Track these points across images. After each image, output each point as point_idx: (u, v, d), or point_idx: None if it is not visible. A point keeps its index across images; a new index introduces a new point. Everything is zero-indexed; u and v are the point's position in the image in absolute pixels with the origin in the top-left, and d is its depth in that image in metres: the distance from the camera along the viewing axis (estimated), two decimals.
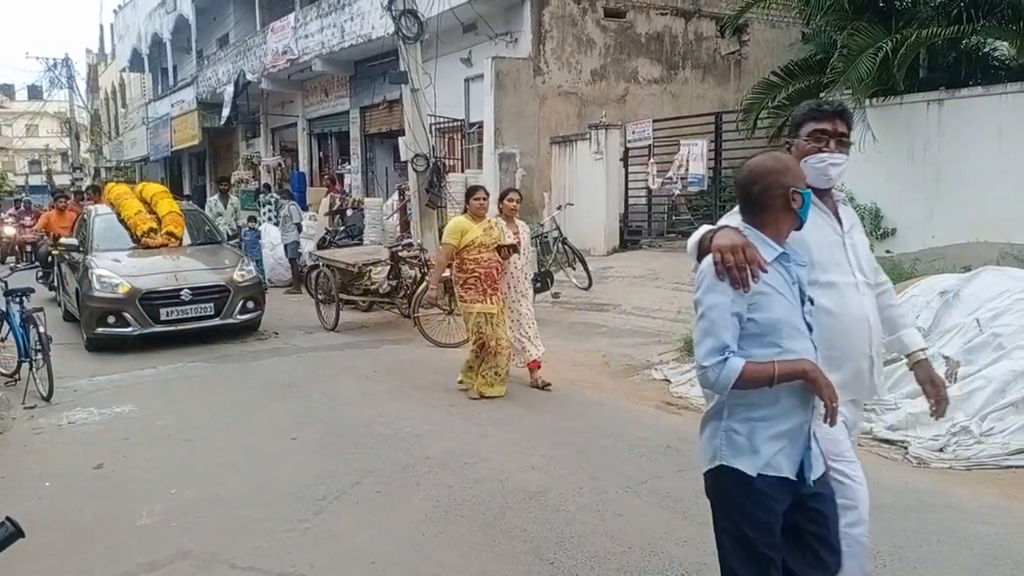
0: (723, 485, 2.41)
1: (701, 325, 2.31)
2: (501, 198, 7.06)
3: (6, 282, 7.79)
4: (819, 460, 2.42)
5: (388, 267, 9.92)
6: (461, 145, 15.59)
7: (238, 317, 9.40)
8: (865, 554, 2.83)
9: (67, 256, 10.33)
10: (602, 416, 6.03)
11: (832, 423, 2.30)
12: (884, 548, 3.74)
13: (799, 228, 2.39)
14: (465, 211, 6.81)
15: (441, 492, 4.58)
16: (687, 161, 11.75)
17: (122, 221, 10.36)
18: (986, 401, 5.19)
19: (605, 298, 10.21)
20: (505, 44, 13.83)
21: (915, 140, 8.42)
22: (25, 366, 7.23)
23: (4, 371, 7.66)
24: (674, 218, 13.54)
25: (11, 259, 17.60)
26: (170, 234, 10.19)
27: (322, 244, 13.70)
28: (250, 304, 9.55)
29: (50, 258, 12.60)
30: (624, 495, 4.47)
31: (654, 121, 12.76)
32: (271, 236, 14.11)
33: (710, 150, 11.87)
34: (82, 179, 39.77)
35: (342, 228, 14.48)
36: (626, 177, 13.08)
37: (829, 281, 2.65)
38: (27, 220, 20.23)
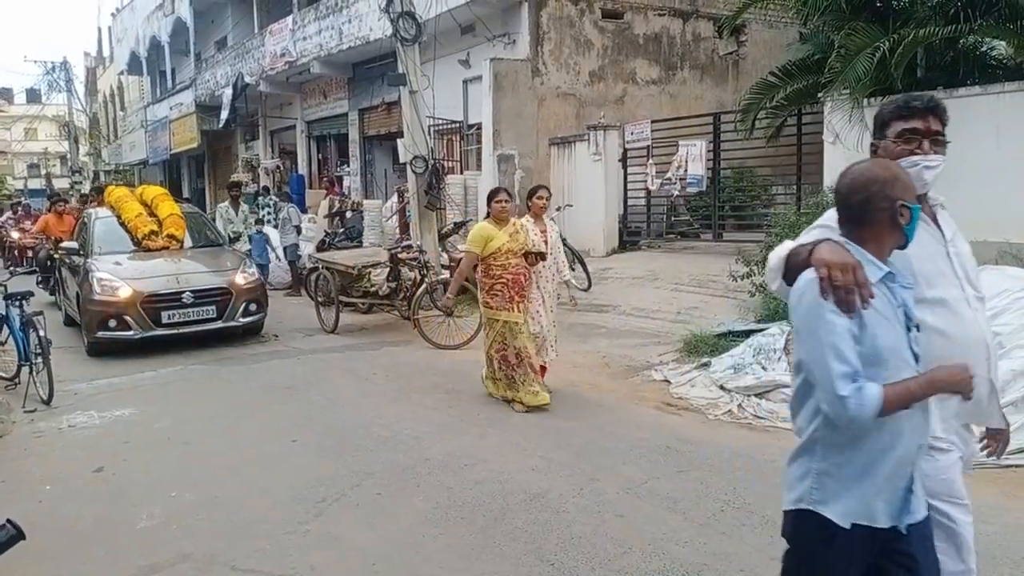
0: (805, 531, 2.17)
1: (821, 349, 1.98)
2: (530, 195, 6.80)
3: (6, 286, 7.80)
4: (921, 503, 2.15)
5: (387, 269, 9.92)
6: (460, 147, 15.60)
7: (240, 320, 9.32)
8: None
9: (67, 260, 10.27)
10: (601, 417, 6.03)
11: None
12: None
13: (903, 247, 2.12)
14: (488, 215, 6.55)
15: (441, 494, 4.58)
16: (686, 162, 11.76)
17: (123, 224, 10.29)
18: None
19: (604, 299, 10.21)
20: (503, 46, 13.84)
21: None
22: (25, 370, 7.23)
23: (4, 375, 7.66)
24: (673, 219, 13.55)
25: (9, 263, 17.56)
26: (171, 237, 10.12)
27: (321, 246, 13.70)
28: (252, 307, 9.46)
29: (49, 262, 12.57)
30: (624, 496, 4.47)
31: (652, 122, 12.76)
32: (271, 238, 14.10)
33: (709, 151, 11.88)
34: (81, 182, 39.78)
35: (341, 230, 14.48)
36: (625, 178, 13.09)
37: (937, 297, 2.35)
38: (27, 224, 20.19)
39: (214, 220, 12.76)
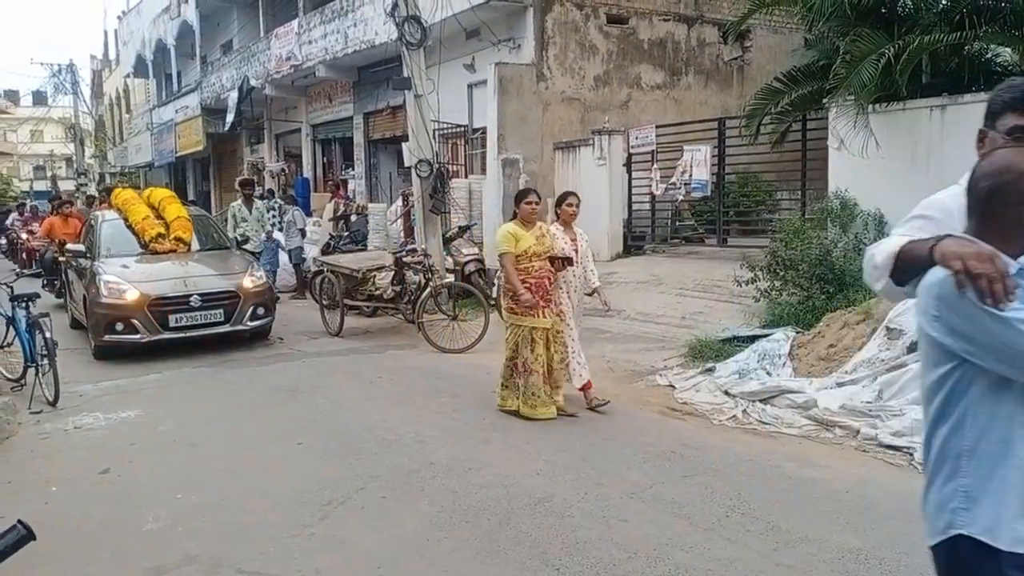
0: (962, 561, 1.92)
1: (1005, 335, 1.66)
2: (559, 202, 6.59)
3: (12, 287, 7.81)
4: None
5: (392, 272, 9.94)
6: (464, 151, 15.61)
7: (248, 323, 9.26)
8: None
9: (74, 262, 10.25)
10: (606, 422, 6.04)
11: None
12: (890, 555, 3.74)
13: None
14: (515, 216, 6.32)
15: (446, 498, 4.59)
16: (690, 167, 11.76)
17: (129, 227, 10.26)
18: None
19: (609, 303, 10.19)
20: (508, 50, 13.85)
21: (918, 146, 8.43)
22: (31, 371, 7.25)
23: (10, 376, 7.68)
24: (677, 224, 13.55)
25: (15, 266, 17.59)
26: (178, 239, 10.08)
27: (326, 250, 13.74)
28: (260, 310, 9.40)
29: (55, 265, 12.56)
30: (629, 501, 4.47)
31: (657, 127, 12.77)
32: (281, 243, 14.08)
33: (713, 156, 11.88)
34: (87, 184, 39.81)
35: (346, 234, 14.50)
36: (629, 183, 13.10)
37: None
38: (34, 226, 20.20)
39: (225, 223, 12.64)
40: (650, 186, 12.59)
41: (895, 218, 8.54)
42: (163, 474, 5.22)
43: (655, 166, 12.48)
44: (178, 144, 28.17)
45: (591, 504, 4.43)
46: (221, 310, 9.05)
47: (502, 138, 13.19)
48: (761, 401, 6.20)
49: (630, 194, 13.11)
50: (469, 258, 11.46)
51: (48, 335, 7.01)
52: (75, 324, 10.47)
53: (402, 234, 13.60)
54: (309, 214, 17.12)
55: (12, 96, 56.13)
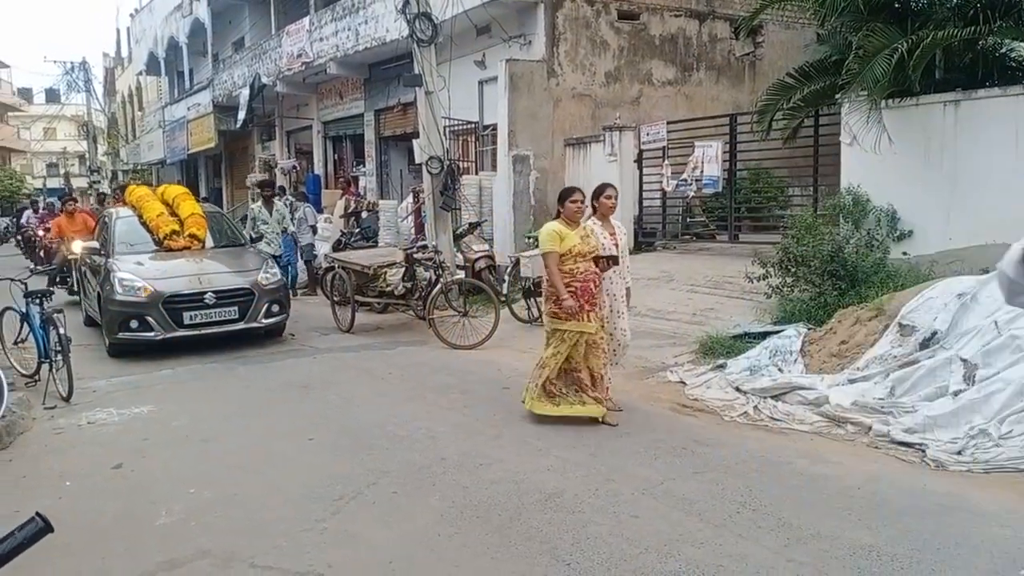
0: None
1: None
2: (596, 195, 6.23)
3: (26, 284, 7.87)
4: None
5: (403, 269, 9.96)
6: (475, 147, 15.61)
7: (263, 321, 9.23)
8: None
9: (88, 259, 10.25)
10: (616, 418, 6.03)
11: None
12: (902, 552, 3.73)
13: None
14: (558, 215, 6.01)
15: (457, 493, 4.60)
16: (702, 163, 11.73)
17: (144, 223, 10.26)
18: (1004, 404, 5.16)
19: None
20: (519, 46, 13.84)
21: (931, 141, 8.38)
22: (45, 367, 7.30)
23: (24, 372, 7.74)
24: (688, 220, 13.52)
25: (30, 263, 17.67)
26: (192, 236, 10.07)
27: (337, 246, 13.77)
28: (275, 307, 9.37)
29: (65, 266, 12.57)
30: (640, 497, 4.47)
31: (668, 123, 12.73)
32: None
33: (725, 152, 11.84)
34: (100, 181, 40.09)
35: (357, 230, 14.53)
36: (640, 179, 13.07)
37: None
38: (50, 224, 20.28)
39: (243, 223, 12.60)
40: (661, 182, 12.56)
41: (908, 214, 8.54)
42: (176, 469, 5.26)
43: (666, 162, 12.45)
44: (190, 141, 28.28)
45: (602, 500, 4.43)
46: (236, 307, 9.01)
47: (513, 134, 13.20)
48: (772, 397, 6.19)
49: (641, 190, 13.08)
50: (479, 255, 11.46)
51: (62, 331, 7.07)
52: (89, 321, 10.48)
53: (413, 231, 13.62)
54: (320, 211, 17.17)
55: (25, 94, 56.55)
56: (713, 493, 4.50)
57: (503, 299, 9.86)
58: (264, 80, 21.50)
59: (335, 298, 10.70)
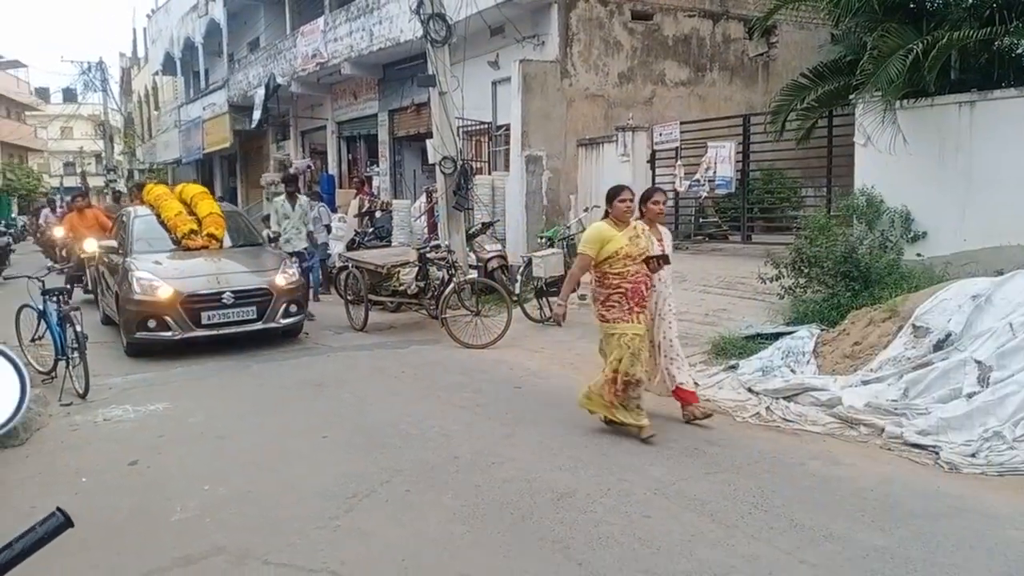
0: None
1: None
2: (644, 199, 5.99)
3: (43, 281, 7.94)
4: None
5: (416, 268, 9.99)
6: (488, 148, 15.63)
7: (281, 321, 9.16)
8: None
9: (105, 258, 10.24)
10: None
11: None
12: (916, 554, 3.72)
13: None
14: (606, 215, 5.78)
15: (469, 491, 4.62)
16: (715, 163, 11.70)
17: (162, 223, 10.21)
18: (1019, 406, 5.14)
19: None
20: (532, 47, 13.85)
21: (946, 142, 8.34)
22: (62, 364, 7.37)
23: (41, 369, 7.80)
24: (701, 220, 13.49)
25: (48, 261, 17.80)
26: (211, 236, 10.01)
27: (351, 245, 13.82)
28: (292, 308, 9.32)
29: (80, 263, 12.60)
30: (652, 497, 4.48)
31: (681, 123, 12.71)
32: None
33: (738, 152, 11.81)
34: (116, 180, 40.36)
35: (371, 230, 14.57)
36: (653, 179, 13.01)
37: None
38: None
39: (267, 219, 12.45)
40: (674, 183, 12.53)
41: (922, 215, 8.50)
42: (191, 466, 5.30)
43: (679, 163, 12.43)
44: (205, 141, 28.45)
45: (614, 499, 4.44)
46: (254, 307, 8.96)
47: (526, 135, 13.21)
48: (785, 399, 6.18)
49: None
50: (492, 254, 11.48)
51: (79, 329, 7.13)
52: (107, 320, 10.44)
53: (426, 230, 13.65)
54: (334, 210, 17.21)
55: (43, 94, 57.05)
56: (725, 494, 4.50)
57: (515, 299, 9.88)
58: (279, 80, 21.60)
59: (349, 297, 10.75)
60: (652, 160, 12.91)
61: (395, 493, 4.66)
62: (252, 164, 28.86)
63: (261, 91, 22.47)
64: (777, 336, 7.40)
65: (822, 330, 7.32)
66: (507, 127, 14.09)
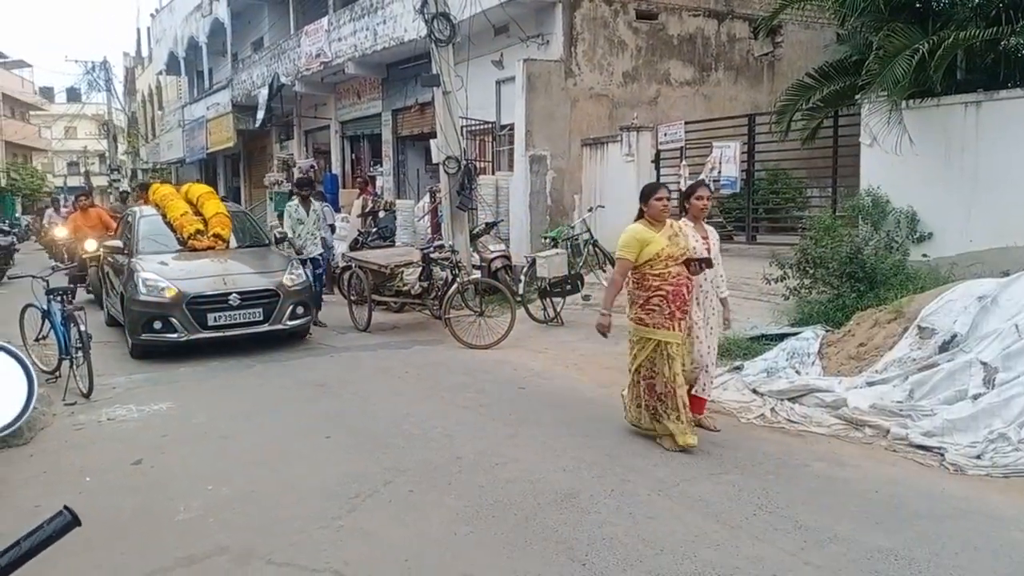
0: None
1: None
2: (687, 195, 5.78)
3: (48, 281, 7.95)
4: None
5: (420, 269, 9.98)
6: (492, 147, 15.62)
7: (287, 323, 9.05)
8: None
9: (110, 259, 10.16)
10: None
11: None
12: (920, 555, 3.71)
13: None
14: (641, 215, 5.49)
15: (472, 492, 4.61)
16: (719, 163, 11.68)
17: (167, 223, 10.12)
18: None
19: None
20: (537, 46, 13.85)
21: (952, 143, 8.31)
22: (65, 363, 7.37)
23: (45, 368, 7.81)
24: (705, 221, 13.45)
25: (53, 261, 17.80)
26: (217, 236, 9.92)
27: (355, 245, 13.82)
28: (299, 309, 9.20)
29: (84, 263, 12.57)
30: (656, 498, 4.47)
31: (686, 123, 12.69)
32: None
33: (743, 152, 11.79)
34: (119, 180, 40.44)
35: (374, 230, 14.57)
36: (657, 179, 13.01)
37: None
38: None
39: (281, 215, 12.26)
40: (678, 183, 12.50)
41: (928, 216, 8.47)
42: (195, 466, 5.30)
43: (684, 163, 12.40)
44: (209, 141, 28.49)
45: (617, 500, 4.42)
46: (260, 309, 8.86)
47: (530, 135, 13.20)
48: (790, 400, 6.16)
49: None
50: (496, 254, 11.48)
51: (83, 328, 7.13)
52: (111, 321, 10.37)
53: (429, 230, 13.65)
54: (338, 210, 17.22)
55: (47, 93, 57.18)
56: (729, 495, 4.49)
57: (519, 299, 9.87)
58: (283, 80, 21.61)
59: (352, 297, 10.74)
60: (656, 160, 12.90)
61: (398, 493, 4.65)
62: (256, 164, 28.90)
63: (265, 91, 22.49)
64: (782, 337, 7.39)
65: (827, 331, 7.30)
66: (511, 127, 14.09)
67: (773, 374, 6.72)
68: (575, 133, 13.62)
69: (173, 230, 10.02)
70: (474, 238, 11.63)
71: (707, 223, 5.93)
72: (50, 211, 25.85)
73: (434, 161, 12.33)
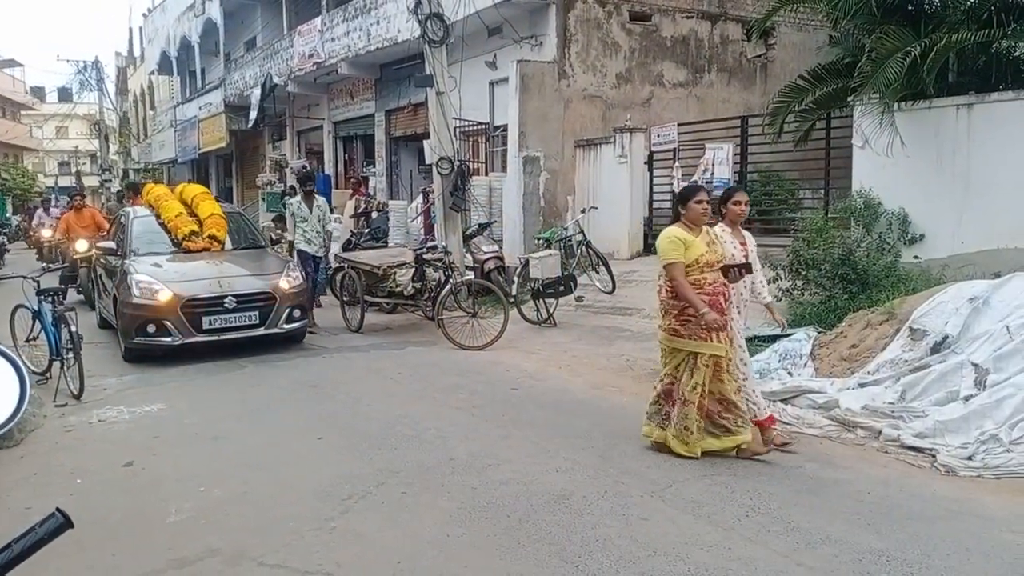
0: None
1: None
2: (724, 200, 5.52)
3: (38, 282, 7.91)
4: None
5: (413, 269, 9.97)
6: (485, 148, 15.63)
7: (284, 327, 8.86)
8: None
9: (103, 260, 10.01)
10: (625, 420, 6.01)
11: None
12: (912, 556, 3.72)
13: None
14: (678, 218, 5.23)
15: (466, 493, 4.60)
16: (712, 165, 11.71)
17: (162, 224, 9.91)
18: (1016, 409, 5.14)
19: (628, 302, 10.20)
20: (530, 47, 13.86)
21: (944, 145, 8.35)
22: (56, 364, 7.34)
23: (36, 369, 7.76)
24: None
25: (42, 263, 17.71)
26: (212, 238, 9.73)
27: (347, 246, 13.80)
28: (296, 312, 9.02)
29: (75, 264, 12.52)
30: (649, 499, 4.47)
31: (679, 125, 12.73)
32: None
33: (736, 154, 11.83)
34: (111, 180, 40.28)
35: (367, 230, 14.56)
36: (650, 181, 13.07)
37: None
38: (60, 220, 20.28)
39: (281, 220, 12.10)
40: (671, 184, 12.54)
41: (919, 217, 8.51)
42: (186, 467, 5.28)
43: (677, 164, 12.44)
44: (201, 141, 28.42)
45: (610, 502, 4.42)
46: (256, 312, 8.68)
47: (523, 136, 13.21)
48: (782, 401, 6.17)
49: (651, 192, 13.08)
50: (489, 255, 11.48)
51: (74, 329, 7.10)
52: (103, 324, 10.24)
53: (422, 231, 13.64)
54: (330, 211, 17.19)
55: (38, 93, 56.89)
56: (722, 496, 4.49)
57: (512, 300, 9.87)
58: (275, 80, 21.58)
59: (344, 298, 10.72)
60: (650, 162, 12.93)
61: (391, 495, 4.64)
62: (248, 164, 28.85)
63: (257, 91, 22.45)
64: (774, 339, 7.40)
65: (819, 332, 7.32)
66: (504, 128, 14.10)
67: (765, 375, 6.73)
68: (568, 134, 13.64)
69: (167, 231, 9.81)
70: (467, 239, 11.62)
71: (743, 228, 5.65)
72: (39, 211, 25.59)
73: (427, 162, 12.32)
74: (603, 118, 13.89)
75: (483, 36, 14.32)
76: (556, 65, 13.53)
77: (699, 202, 5.08)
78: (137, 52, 43.77)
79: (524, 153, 13.10)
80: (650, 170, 12.98)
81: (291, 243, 10.69)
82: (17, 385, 1.66)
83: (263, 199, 21.40)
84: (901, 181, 8.57)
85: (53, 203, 28.69)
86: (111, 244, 9.88)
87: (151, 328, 8.38)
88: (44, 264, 12.17)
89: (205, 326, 8.47)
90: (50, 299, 7.49)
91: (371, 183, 19.36)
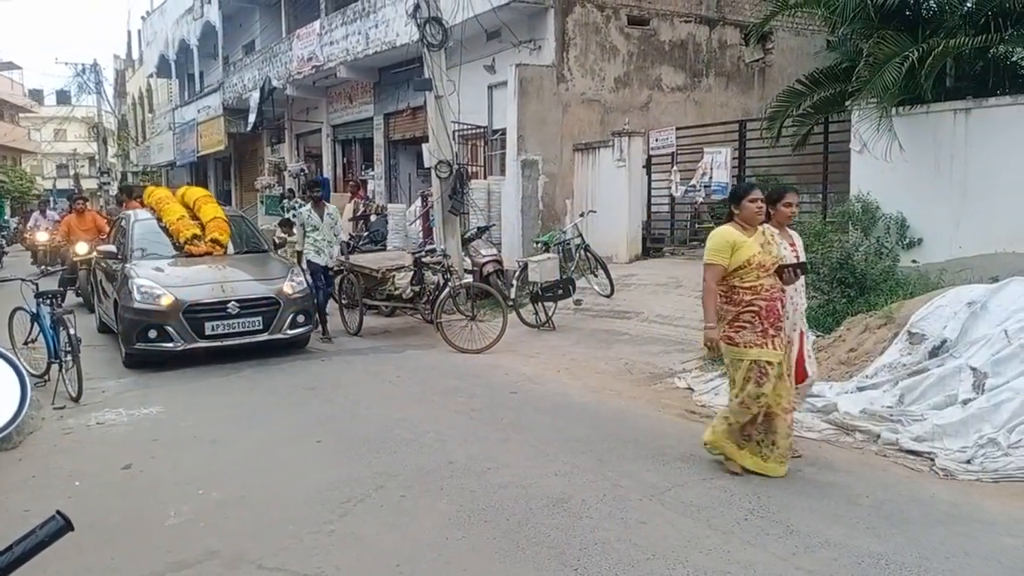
0: None
1: None
2: (773, 201, 5.16)
3: (37, 284, 7.90)
4: None
5: (411, 273, 9.98)
6: (484, 152, 15.63)
7: (288, 332, 8.73)
8: None
9: (103, 264, 9.91)
10: (624, 424, 6.03)
11: None
12: (910, 560, 3.72)
13: None
14: (731, 217, 5.00)
15: (464, 497, 4.60)
16: (711, 169, 11.73)
17: (163, 227, 9.77)
18: (1014, 413, 5.15)
19: (627, 305, 10.20)
20: (529, 51, 13.86)
21: (942, 149, 8.36)
22: (55, 367, 7.33)
23: (34, 372, 7.75)
24: (697, 226, 13.50)
25: (38, 267, 17.67)
26: (215, 241, 9.59)
27: (346, 249, 13.79)
28: (300, 318, 8.86)
29: (74, 267, 12.49)
30: (647, 503, 4.47)
31: (677, 129, 12.74)
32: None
33: (734, 158, 11.84)
34: (109, 183, 40.26)
35: (366, 234, 14.56)
36: (649, 185, 13.08)
37: None
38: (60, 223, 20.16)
39: (285, 224, 12.01)
40: (670, 188, 12.57)
41: (917, 222, 8.52)
42: (185, 470, 5.27)
43: (675, 168, 12.46)
44: (200, 144, 28.41)
45: (609, 505, 4.43)
46: (260, 317, 8.56)
47: (522, 139, 13.22)
48: None
49: (649, 196, 13.10)
50: (487, 259, 11.48)
51: (72, 332, 7.09)
52: (103, 328, 10.13)
53: (421, 234, 13.65)
54: None
55: (36, 95, 56.84)
56: (721, 500, 4.49)
57: (511, 303, 9.88)
58: (274, 83, 21.57)
59: (343, 301, 10.72)
60: (648, 165, 12.95)
61: (390, 498, 4.64)
62: (246, 167, 28.83)
63: (256, 94, 22.44)
64: None
65: (818, 336, 7.32)
66: (503, 131, 14.10)
67: None
68: (567, 138, 13.64)
69: (169, 235, 9.68)
70: (466, 242, 11.63)
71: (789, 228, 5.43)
72: (36, 214, 25.25)
73: (426, 165, 12.33)
74: (601, 122, 13.90)
75: (482, 40, 14.33)
76: (555, 69, 13.54)
77: (753, 200, 4.85)
78: (136, 55, 43.78)
79: (523, 157, 13.10)
80: (648, 174, 12.99)
81: (299, 253, 10.50)
82: (18, 388, 1.66)
83: (262, 202, 21.41)
84: (899, 185, 8.58)
85: (51, 206, 28.60)
86: (112, 247, 9.74)
87: (152, 333, 8.25)
88: (42, 267, 12.16)
89: (208, 331, 8.36)
90: (49, 302, 7.49)
91: (370, 186, 19.37)
